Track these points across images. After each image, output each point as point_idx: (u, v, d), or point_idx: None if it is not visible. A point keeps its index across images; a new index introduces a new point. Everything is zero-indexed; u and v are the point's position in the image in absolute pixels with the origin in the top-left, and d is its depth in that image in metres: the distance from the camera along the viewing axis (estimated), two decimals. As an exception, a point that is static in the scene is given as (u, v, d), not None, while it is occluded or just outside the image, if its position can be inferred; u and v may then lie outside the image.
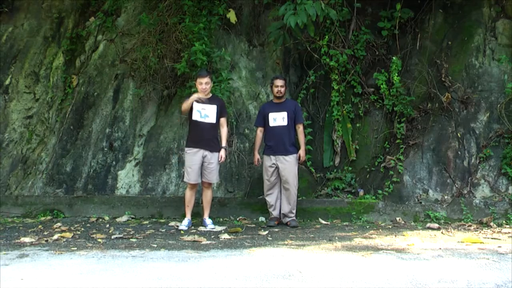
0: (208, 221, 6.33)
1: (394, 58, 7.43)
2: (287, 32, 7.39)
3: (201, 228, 6.22)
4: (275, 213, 6.52)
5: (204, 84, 6.27)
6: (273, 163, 6.45)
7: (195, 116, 6.30)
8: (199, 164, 6.28)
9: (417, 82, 7.55)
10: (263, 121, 6.62)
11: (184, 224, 6.25)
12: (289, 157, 6.44)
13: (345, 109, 7.56)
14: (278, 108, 6.56)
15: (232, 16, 7.81)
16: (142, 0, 8.37)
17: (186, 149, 6.37)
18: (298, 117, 6.60)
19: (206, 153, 6.29)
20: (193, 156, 6.27)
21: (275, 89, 6.57)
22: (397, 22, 7.69)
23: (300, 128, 6.63)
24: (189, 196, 6.37)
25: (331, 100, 7.64)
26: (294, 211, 6.51)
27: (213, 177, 6.37)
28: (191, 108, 6.31)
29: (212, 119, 6.31)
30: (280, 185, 6.52)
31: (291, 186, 6.41)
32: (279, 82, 6.58)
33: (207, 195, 6.42)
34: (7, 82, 8.41)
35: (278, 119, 6.51)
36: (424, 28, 7.89)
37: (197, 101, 6.28)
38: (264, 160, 6.57)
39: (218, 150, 6.38)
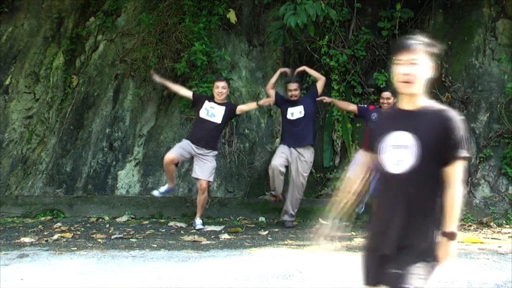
0: (197, 221, 6.30)
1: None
2: (287, 32, 7.39)
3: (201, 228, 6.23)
4: (274, 193, 6.45)
5: (220, 88, 6.28)
6: (287, 157, 6.34)
7: (202, 114, 6.31)
8: (188, 151, 6.21)
9: (417, 82, 7.54)
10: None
11: (160, 190, 6.35)
12: (306, 152, 6.35)
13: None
14: (294, 103, 6.50)
15: (232, 16, 7.80)
16: (142, 0, 8.37)
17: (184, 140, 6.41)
18: (314, 91, 6.59)
19: (202, 149, 6.26)
20: (187, 144, 6.26)
21: (289, 93, 6.48)
22: (397, 22, 7.69)
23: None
24: (166, 167, 6.25)
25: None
26: (294, 212, 6.44)
27: (204, 172, 6.19)
28: (201, 105, 6.33)
29: (217, 119, 6.28)
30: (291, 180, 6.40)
31: (298, 183, 6.32)
32: (292, 86, 6.48)
33: (200, 198, 6.34)
34: (7, 82, 8.40)
35: (295, 113, 6.44)
36: (424, 28, 7.88)
37: (209, 100, 6.34)
38: (280, 147, 6.50)
39: (215, 150, 6.36)
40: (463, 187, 2.19)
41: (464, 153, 2.18)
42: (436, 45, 2.23)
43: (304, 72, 6.92)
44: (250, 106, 6.68)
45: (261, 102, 6.62)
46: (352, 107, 6.70)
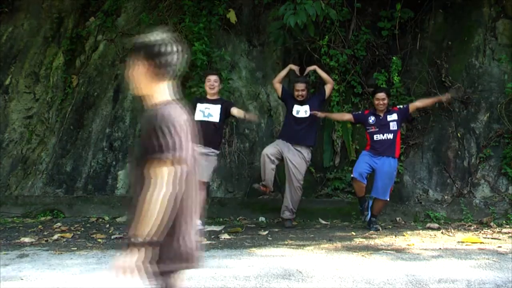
0: (197, 222, 6.25)
1: (394, 58, 7.42)
2: (287, 32, 7.38)
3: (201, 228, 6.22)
4: (265, 183, 6.34)
5: (212, 81, 6.23)
6: (280, 150, 6.28)
7: (198, 116, 6.27)
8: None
9: (417, 82, 7.54)
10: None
11: None
12: (303, 149, 6.30)
13: (345, 109, 7.54)
14: (300, 102, 6.46)
15: (232, 16, 7.80)
16: (142, 0, 8.37)
17: None
18: (322, 93, 6.59)
19: (205, 148, 6.23)
20: None
21: (296, 93, 6.43)
22: (397, 22, 7.68)
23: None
24: None
25: (331, 100, 7.63)
26: (295, 209, 6.38)
27: (203, 173, 6.08)
28: (194, 108, 6.30)
29: (215, 118, 6.22)
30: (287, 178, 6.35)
31: (295, 179, 6.24)
32: (300, 86, 6.43)
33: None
34: (7, 82, 8.41)
35: (301, 112, 6.41)
36: (424, 28, 7.88)
37: (201, 102, 6.29)
38: (277, 140, 6.46)
39: (217, 148, 6.34)
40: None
41: (161, 155, 1.94)
42: (153, 45, 2.04)
43: (303, 72, 6.91)
44: (240, 113, 6.41)
45: (247, 116, 6.42)
46: (347, 116, 6.63)
